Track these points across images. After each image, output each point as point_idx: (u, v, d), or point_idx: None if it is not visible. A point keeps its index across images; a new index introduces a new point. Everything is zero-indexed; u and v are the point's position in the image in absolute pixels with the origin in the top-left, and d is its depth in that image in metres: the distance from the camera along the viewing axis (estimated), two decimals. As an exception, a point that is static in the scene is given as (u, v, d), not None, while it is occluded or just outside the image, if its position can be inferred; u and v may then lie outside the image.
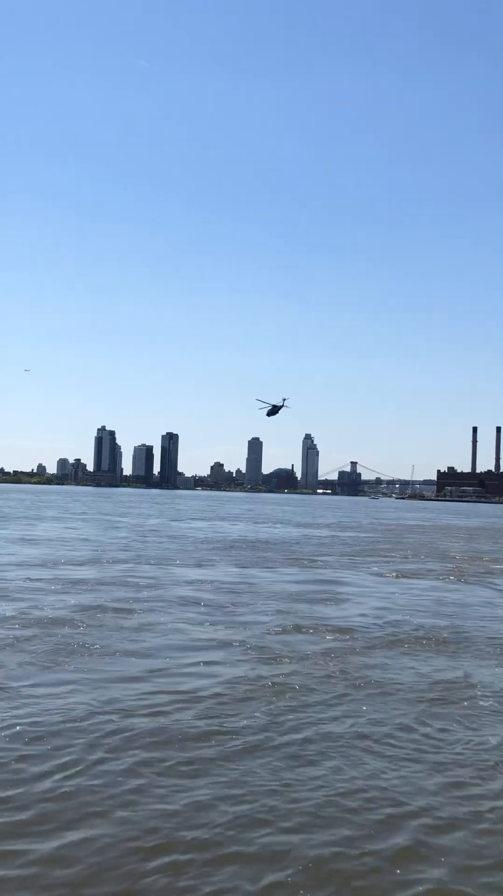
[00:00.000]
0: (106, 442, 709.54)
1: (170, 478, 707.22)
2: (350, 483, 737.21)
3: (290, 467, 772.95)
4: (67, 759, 12.03)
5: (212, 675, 17.32)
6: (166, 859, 9.32)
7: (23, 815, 10.21)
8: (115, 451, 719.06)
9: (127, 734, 13.20)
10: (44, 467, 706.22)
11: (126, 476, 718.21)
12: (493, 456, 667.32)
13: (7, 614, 23.38)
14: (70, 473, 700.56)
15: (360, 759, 12.53)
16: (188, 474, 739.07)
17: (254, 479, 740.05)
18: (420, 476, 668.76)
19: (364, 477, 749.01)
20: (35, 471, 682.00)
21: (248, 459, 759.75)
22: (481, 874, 9.33)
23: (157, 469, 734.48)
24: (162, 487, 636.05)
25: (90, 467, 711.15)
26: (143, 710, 14.52)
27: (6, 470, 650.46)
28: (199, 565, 40.83)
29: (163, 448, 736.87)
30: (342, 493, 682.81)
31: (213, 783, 11.42)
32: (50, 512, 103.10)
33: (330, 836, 10.01)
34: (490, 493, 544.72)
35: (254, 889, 8.85)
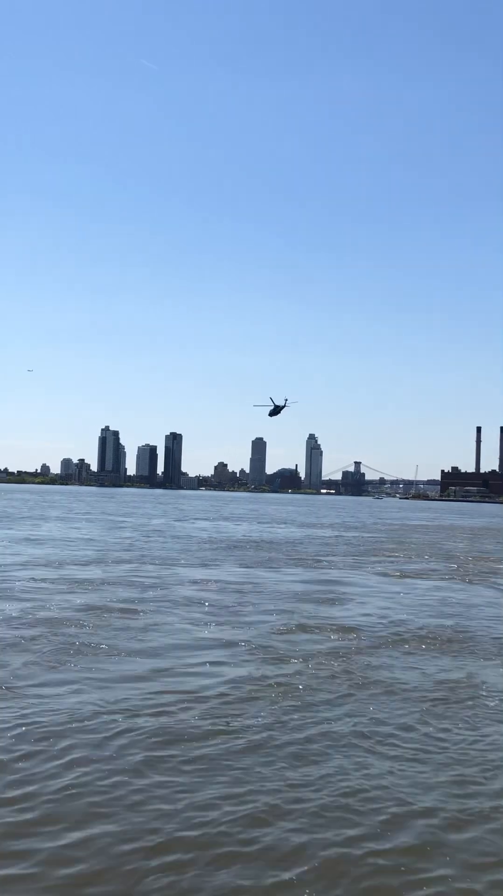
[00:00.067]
0: (110, 442, 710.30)
1: (173, 478, 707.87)
2: (354, 483, 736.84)
3: (294, 467, 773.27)
4: (73, 758, 12.07)
5: (217, 674, 17.35)
6: (171, 858, 9.36)
7: (28, 814, 10.25)
8: (118, 452, 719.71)
9: (132, 733, 13.24)
10: (47, 467, 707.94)
11: (130, 476, 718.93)
12: (497, 456, 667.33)
13: (13, 614, 23.45)
14: (74, 473, 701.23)
15: (365, 759, 12.55)
16: (192, 474, 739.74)
17: (257, 479, 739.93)
18: (423, 476, 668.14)
19: (368, 477, 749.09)
20: (39, 471, 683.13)
21: (251, 459, 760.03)
22: (489, 873, 9.35)
23: (160, 469, 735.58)
24: (165, 487, 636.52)
25: (94, 467, 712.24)
26: (149, 709, 14.56)
27: (10, 470, 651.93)
28: (204, 565, 40.88)
29: (166, 448, 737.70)
30: (346, 493, 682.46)
31: (217, 782, 11.45)
32: (54, 512, 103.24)
33: (335, 835, 10.03)
34: (493, 493, 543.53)
35: (258, 888, 8.87)
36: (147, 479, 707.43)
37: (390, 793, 11.27)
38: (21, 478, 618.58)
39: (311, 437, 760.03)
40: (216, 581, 33.81)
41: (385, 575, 39.48)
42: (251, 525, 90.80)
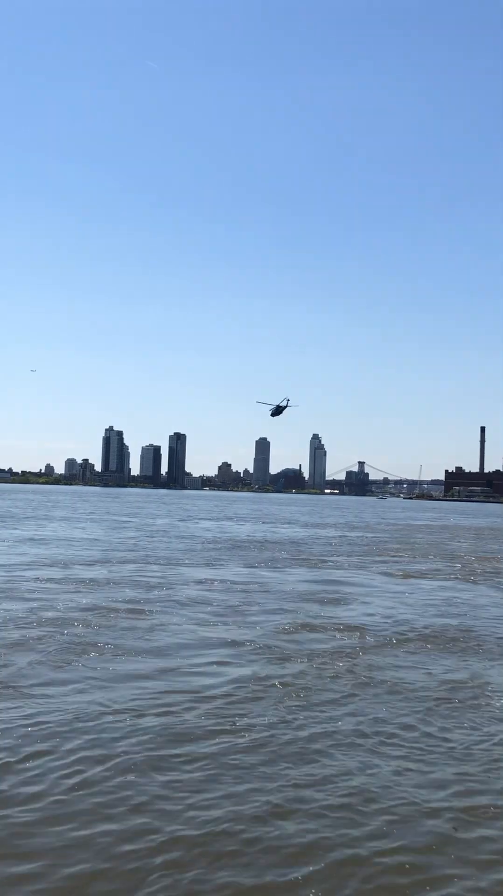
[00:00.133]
0: (114, 442, 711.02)
1: (177, 478, 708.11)
2: (358, 483, 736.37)
3: (298, 467, 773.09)
4: (78, 757, 12.10)
5: (222, 674, 17.38)
6: (175, 857, 9.37)
7: (34, 814, 10.27)
8: (122, 452, 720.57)
9: (137, 733, 13.26)
10: (52, 468, 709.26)
11: (134, 476, 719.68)
12: (501, 456, 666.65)
13: (18, 614, 23.50)
14: (78, 474, 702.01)
15: (370, 759, 12.55)
16: (196, 474, 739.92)
17: (261, 480, 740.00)
18: (428, 476, 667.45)
19: (372, 477, 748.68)
20: (43, 471, 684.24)
21: (255, 459, 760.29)
22: (497, 872, 9.34)
23: (164, 469, 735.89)
24: (169, 488, 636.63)
25: (98, 467, 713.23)
26: (154, 709, 14.58)
27: (14, 470, 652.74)
28: (208, 565, 40.90)
29: (170, 448, 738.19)
30: (350, 493, 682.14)
31: (222, 782, 11.46)
32: (58, 512, 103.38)
33: (341, 835, 10.03)
34: (498, 493, 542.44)
35: (262, 888, 8.89)
36: (151, 479, 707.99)
37: (395, 792, 11.27)
38: (25, 478, 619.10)
39: (315, 437, 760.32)
40: (221, 581, 33.83)
41: (389, 575, 39.46)
42: (255, 525, 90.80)
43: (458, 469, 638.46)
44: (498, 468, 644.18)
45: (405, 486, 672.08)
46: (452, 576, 40.15)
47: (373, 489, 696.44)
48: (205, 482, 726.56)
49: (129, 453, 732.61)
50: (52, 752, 12.25)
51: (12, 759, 11.94)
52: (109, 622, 22.81)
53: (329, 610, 26.81)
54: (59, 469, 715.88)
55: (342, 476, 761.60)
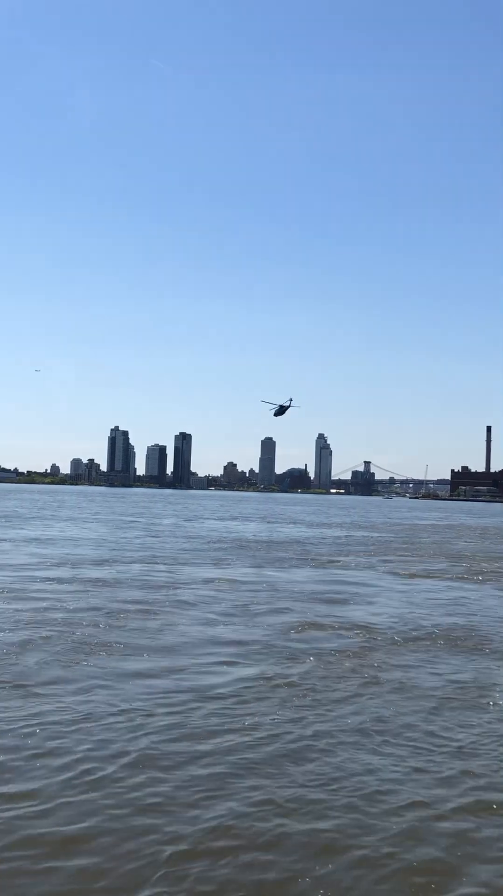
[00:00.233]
0: (119, 442, 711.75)
1: (183, 478, 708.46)
2: (363, 483, 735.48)
3: (304, 467, 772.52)
4: (85, 755, 12.15)
5: (229, 673, 17.43)
6: (180, 854, 9.40)
7: (41, 811, 10.33)
8: (128, 451, 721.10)
9: (145, 732, 13.32)
10: (57, 467, 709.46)
11: (139, 476, 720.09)
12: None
13: (26, 614, 23.59)
14: (83, 473, 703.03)
15: (378, 758, 12.56)
16: (201, 474, 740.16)
17: (267, 479, 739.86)
18: (433, 475, 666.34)
19: (377, 477, 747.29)
20: (49, 471, 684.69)
21: (261, 459, 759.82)
22: None
23: (170, 469, 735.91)
24: (175, 487, 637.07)
25: (103, 467, 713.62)
26: (162, 708, 14.64)
27: (20, 470, 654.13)
28: (215, 565, 40.97)
29: (176, 448, 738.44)
30: (355, 493, 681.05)
31: (229, 781, 11.49)
32: (64, 512, 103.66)
33: (347, 835, 10.05)
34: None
35: (266, 888, 8.92)
36: (157, 478, 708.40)
37: (403, 791, 11.28)
38: (31, 478, 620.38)
39: (321, 437, 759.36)
40: (228, 580, 33.89)
41: (396, 574, 39.46)
42: (261, 525, 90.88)
43: (464, 469, 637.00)
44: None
45: (411, 485, 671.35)
46: (459, 576, 40.12)
47: (379, 489, 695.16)
48: (210, 482, 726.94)
49: (134, 453, 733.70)
50: (59, 751, 12.31)
51: (20, 758, 12.00)
52: (117, 622, 22.89)
53: (336, 609, 26.83)
54: (65, 469, 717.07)
55: (348, 476, 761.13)
